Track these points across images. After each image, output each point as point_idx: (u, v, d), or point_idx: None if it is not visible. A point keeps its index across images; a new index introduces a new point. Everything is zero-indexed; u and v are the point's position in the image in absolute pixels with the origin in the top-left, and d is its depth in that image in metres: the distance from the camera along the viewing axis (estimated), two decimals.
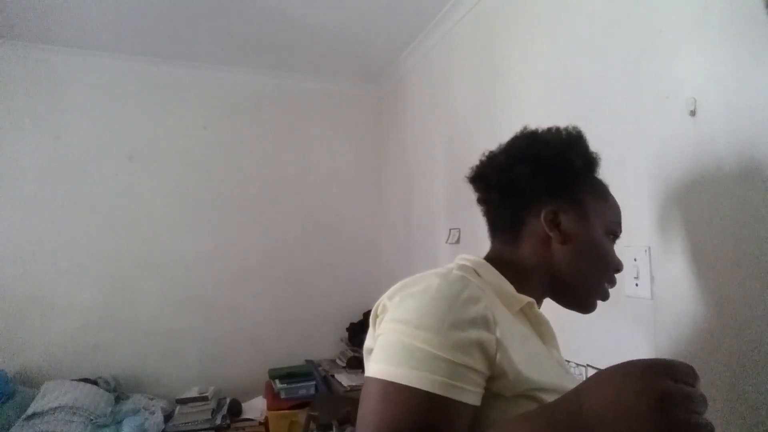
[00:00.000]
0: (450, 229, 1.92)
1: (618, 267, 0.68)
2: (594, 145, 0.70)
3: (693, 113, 0.85)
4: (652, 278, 0.94)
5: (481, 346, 0.47)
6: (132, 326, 2.35)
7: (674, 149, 0.89)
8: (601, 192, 0.68)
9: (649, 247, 0.95)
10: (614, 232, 0.68)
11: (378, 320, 0.55)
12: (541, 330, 0.62)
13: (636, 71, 1.01)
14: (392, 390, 0.46)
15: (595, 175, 0.69)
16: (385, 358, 0.48)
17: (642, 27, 0.99)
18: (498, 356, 0.48)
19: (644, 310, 0.96)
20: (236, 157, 2.62)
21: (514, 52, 1.54)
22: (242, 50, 2.40)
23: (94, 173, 2.36)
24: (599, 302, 0.68)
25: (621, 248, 0.99)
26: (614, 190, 0.72)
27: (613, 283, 0.67)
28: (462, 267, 0.58)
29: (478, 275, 0.59)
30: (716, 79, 0.81)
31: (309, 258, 2.70)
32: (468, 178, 0.72)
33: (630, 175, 1.00)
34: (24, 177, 2.25)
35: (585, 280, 0.65)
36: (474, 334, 0.47)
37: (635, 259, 0.97)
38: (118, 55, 2.39)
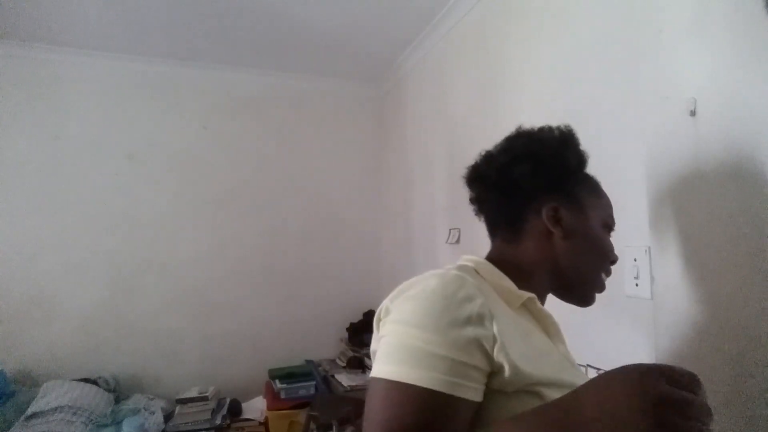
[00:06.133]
0: (450, 229, 1.92)
1: (614, 258, 0.70)
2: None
3: (693, 113, 0.85)
4: (652, 278, 0.94)
5: (479, 343, 0.48)
6: (132, 326, 2.35)
7: (674, 149, 0.89)
8: (595, 187, 0.71)
9: (649, 247, 0.95)
10: (609, 225, 0.71)
11: (381, 323, 0.56)
12: (546, 325, 0.63)
13: (636, 71, 1.00)
14: (395, 388, 0.47)
15: (587, 172, 0.71)
16: (387, 359, 0.50)
17: (642, 27, 0.99)
18: (495, 352, 0.48)
19: (644, 310, 0.96)
20: (236, 157, 2.62)
21: (513, 52, 1.54)
22: (242, 50, 2.40)
23: (94, 173, 2.36)
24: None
25: (621, 248, 0.99)
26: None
27: (609, 273, 0.70)
28: (462, 267, 0.59)
29: (479, 274, 0.60)
30: (716, 79, 0.81)
31: (309, 258, 2.70)
32: (466, 178, 0.72)
33: (630, 175, 1.00)
34: (24, 177, 2.25)
35: (585, 274, 0.67)
36: (471, 331, 0.48)
37: (635, 259, 0.97)
38: (118, 55, 2.39)
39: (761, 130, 0.73)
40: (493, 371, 0.49)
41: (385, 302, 0.56)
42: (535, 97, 1.41)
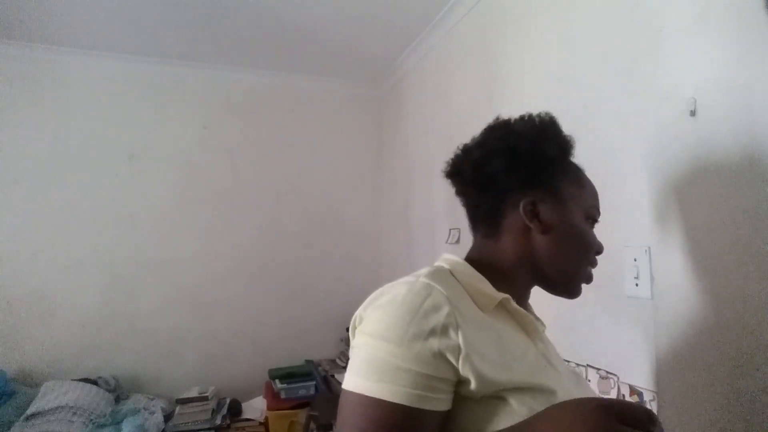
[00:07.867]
0: (450, 229, 1.91)
1: (599, 249, 0.67)
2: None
3: (693, 113, 0.85)
4: (652, 278, 0.94)
5: (443, 355, 0.48)
6: (132, 326, 2.35)
7: (674, 149, 0.89)
8: (577, 177, 0.68)
9: (649, 247, 0.95)
10: (593, 216, 0.68)
11: (357, 331, 0.56)
12: (524, 323, 0.62)
13: (636, 71, 1.00)
14: (360, 402, 0.48)
15: (570, 160, 0.68)
16: (356, 371, 0.51)
17: (642, 27, 0.99)
18: (460, 363, 0.49)
19: (644, 310, 0.96)
20: (236, 157, 2.62)
21: (513, 52, 1.54)
22: (242, 50, 2.40)
23: (94, 173, 2.36)
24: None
25: (620, 248, 0.99)
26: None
27: (594, 265, 0.67)
28: (433, 272, 0.57)
29: (454, 276, 0.59)
30: (716, 79, 0.81)
31: (309, 258, 2.70)
32: (444, 173, 0.72)
33: (630, 175, 1.00)
34: (24, 177, 2.25)
35: (568, 267, 0.64)
36: (435, 343, 0.49)
37: (635, 259, 0.97)
38: (118, 55, 2.39)
39: (761, 129, 0.73)
40: (460, 380, 0.49)
41: (359, 310, 0.57)
42: (535, 96, 1.41)
